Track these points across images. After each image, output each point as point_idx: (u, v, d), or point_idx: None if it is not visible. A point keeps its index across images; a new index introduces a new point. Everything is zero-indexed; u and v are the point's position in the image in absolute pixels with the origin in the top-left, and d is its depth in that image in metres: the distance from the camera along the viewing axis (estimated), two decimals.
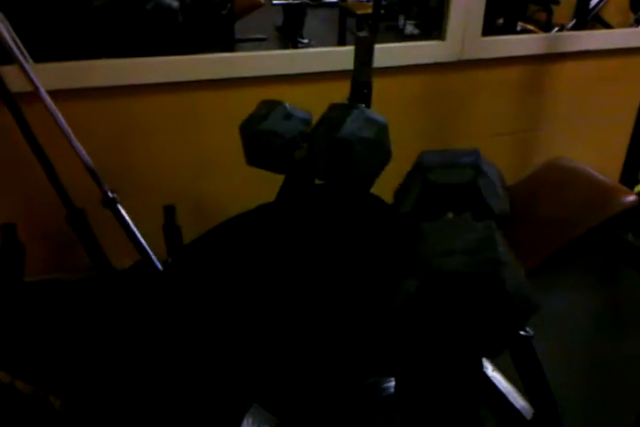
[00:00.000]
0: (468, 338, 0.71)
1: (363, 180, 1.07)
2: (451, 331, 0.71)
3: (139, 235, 1.59)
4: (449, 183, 0.84)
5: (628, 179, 2.21)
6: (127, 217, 1.57)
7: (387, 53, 1.94)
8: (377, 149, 1.04)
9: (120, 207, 1.57)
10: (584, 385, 1.72)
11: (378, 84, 1.49)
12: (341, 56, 1.85)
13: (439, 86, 2.13)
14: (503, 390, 1.43)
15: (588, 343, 1.90)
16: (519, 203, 1.09)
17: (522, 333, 1.09)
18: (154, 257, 1.59)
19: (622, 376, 1.74)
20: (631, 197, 1.04)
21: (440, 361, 0.77)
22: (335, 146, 1.01)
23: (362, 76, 1.43)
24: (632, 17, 3.87)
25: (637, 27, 3.63)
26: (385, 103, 1.70)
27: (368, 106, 1.50)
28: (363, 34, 1.36)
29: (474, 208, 0.84)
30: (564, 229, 1.01)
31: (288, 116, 1.14)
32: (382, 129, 1.05)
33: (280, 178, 1.30)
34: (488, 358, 0.80)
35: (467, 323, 0.70)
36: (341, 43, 3.86)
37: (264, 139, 1.14)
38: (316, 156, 1.07)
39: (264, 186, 1.25)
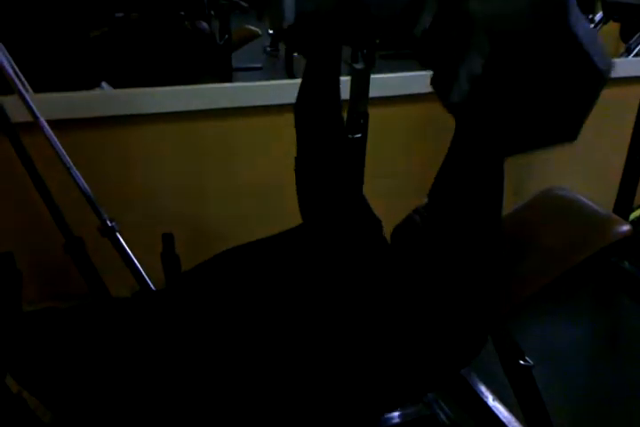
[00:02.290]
0: (550, 113, 0.62)
1: (376, 29, 0.97)
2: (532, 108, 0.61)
3: (137, 263, 1.59)
4: None
5: (622, 207, 2.23)
6: (125, 246, 1.58)
7: (384, 83, 1.97)
8: None
9: (119, 236, 1.57)
10: (583, 414, 1.71)
11: (376, 114, 1.51)
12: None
13: (436, 116, 2.14)
14: (504, 419, 1.42)
15: (585, 372, 1.89)
16: (515, 231, 1.10)
17: (522, 362, 1.09)
18: (152, 286, 1.59)
19: (621, 404, 1.74)
20: (625, 228, 1.05)
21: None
22: None
23: (358, 107, 1.45)
24: (623, 46, 3.94)
25: (628, 56, 3.69)
26: (383, 133, 1.73)
27: (365, 136, 1.52)
28: (359, 65, 1.38)
29: None
30: (559, 258, 1.02)
31: None
32: None
33: (276, 206, 1.31)
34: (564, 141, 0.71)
35: (546, 97, 0.61)
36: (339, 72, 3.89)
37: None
38: None
39: (263, 215, 1.26)
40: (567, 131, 0.65)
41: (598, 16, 4.07)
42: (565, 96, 0.62)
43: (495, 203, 0.76)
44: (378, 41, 1.13)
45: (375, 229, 1.16)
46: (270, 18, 1.06)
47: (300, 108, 1.17)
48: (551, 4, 0.58)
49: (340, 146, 1.20)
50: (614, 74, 2.56)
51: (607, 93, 2.62)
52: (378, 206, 1.21)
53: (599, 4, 3.94)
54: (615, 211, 2.21)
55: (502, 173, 0.74)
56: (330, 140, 1.18)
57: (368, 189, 1.52)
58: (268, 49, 4.72)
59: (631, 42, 3.77)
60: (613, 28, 3.99)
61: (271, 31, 4.25)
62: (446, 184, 0.77)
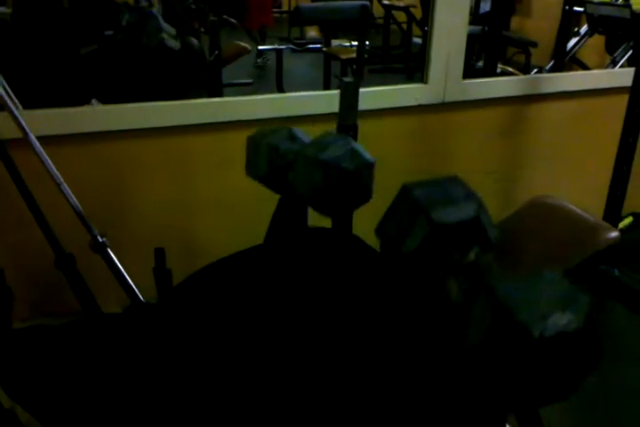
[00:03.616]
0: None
1: (337, 206, 1.07)
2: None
3: (128, 279, 1.58)
4: (456, 222, 0.81)
5: (611, 216, 2.24)
6: (117, 261, 1.57)
7: (372, 96, 1.99)
8: (355, 181, 1.04)
9: (109, 251, 1.57)
10: (576, 423, 1.71)
11: (363, 127, 1.53)
12: (327, 100, 1.89)
13: (423, 128, 2.17)
14: None
15: None
16: (504, 241, 1.10)
17: None
18: (144, 301, 1.59)
19: (612, 410, 1.74)
20: (613, 234, 1.06)
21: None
22: (313, 167, 1.02)
23: (347, 119, 1.47)
24: (608, 58, 3.99)
25: (613, 68, 3.74)
26: (370, 145, 1.73)
27: None
28: (348, 79, 1.39)
29: (477, 242, 0.82)
30: (549, 266, 1.02)
31: (293, 137, 1.14)
32: (366, 164, 1.06)
33: (267, 220, 1.31)
34: None
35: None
36: (326, 86, 3.93)
37: (265, 153, 1.14)
38: (297, 176, 1.08)
39: (254, 229, 1.26)
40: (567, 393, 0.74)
41: (583, 29, 4.13)
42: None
43: None
44: None
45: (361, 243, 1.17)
46: (247, 163, 1.22)
47: (270, 237, 1.25)
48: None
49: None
50: (601, 84, 2.59)
51: (594, 104, 2.67)
52: (369, 218, 1.21)
53: (584, 18, 4.00)
54: (604, 220, 2.22)
55: None
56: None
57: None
58: (259, 60, 4.76)
59: (616, 54, 3.83)
60: (599, 40, 4.05)
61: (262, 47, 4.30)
62: None
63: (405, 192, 0.87)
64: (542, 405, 0.74)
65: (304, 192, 1.07)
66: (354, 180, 1.04)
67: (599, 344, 0.71)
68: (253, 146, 1.18)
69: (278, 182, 1.17)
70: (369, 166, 1.07)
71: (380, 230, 0.89)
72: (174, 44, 2.34)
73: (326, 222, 1.23)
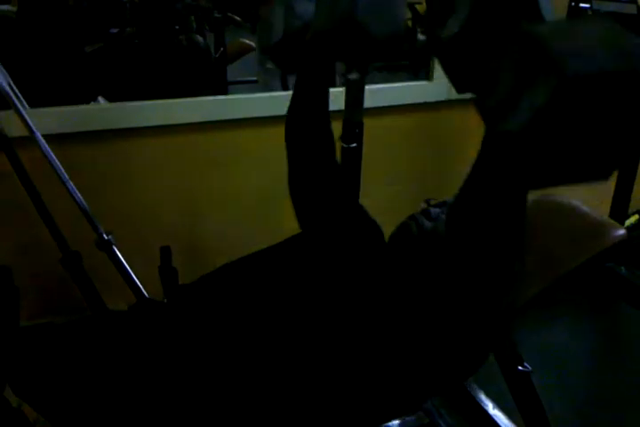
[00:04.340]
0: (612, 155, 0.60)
1: (370, 47, 0.94)
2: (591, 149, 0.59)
3: (134, 277, 1.58)
4: None
5: (617, 214, 2.24)
6: (122, 259, 1.57)
7: (377, 94, 1.99)
8: (387, 10, 0.92)
9: (115, 249, 1.57)
10: (582, 420, 1.71)
11: (369, 124, 1.52)
12: (332, 97, 1.89)
13: (429, 125, 2.17)
14: (504, 426, 1.42)
15: (584, 377, 1.89)
16: None
17: (520, 368, 1.08)
18: (149, 298, 1.59)
19: (619, 409, 1.73)
20: (620, 231, 1.06)
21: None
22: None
23: (353, 117, 1.46)
24: None
25: None
26: (377, 142, 1.73)
27: (360, 146, 1.53)
28: (353, 76, 1.39)
29: (527, 18, 0.70)
30: (556, 264, 1.02)
31: None
32: None
33: (273, 218, 1.31)
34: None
35: (600, 138, 0.59)
36: (331, 84, 3.91)
37: (281, 15, 1.01)
38: (319, 8, 0.95)
39: (260, 227, 1.26)
40: (605, 171, 0.64)
41: None
42: (618, 141, 0.61)
43: (516, 230, 0.76)
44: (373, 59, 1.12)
45: (374, 235, 1.16)
46: (259, 34, 1.06)
47: (290, 121, 1.18)
48: (632, 55, 0.57)
49: (331, 157, 1.20)
50: None
51: None
52: (377, 213, 1.21)
53: (590, 14, 3.98)
54: (611, 217, 2.21)
55: (525, 203, 0.75)
56: (320, 153, 1.18)
57: (366, 197, 1.53)
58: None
59: None
60: None
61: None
62: (467, 206, 0.77)
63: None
64: (571, 175, 0.64)
65: (329, 26, 0.92)
66: (382, 1, 0.91)
67: None
68: (269, 14, 1.06)
69: (293, 55, 1.05)
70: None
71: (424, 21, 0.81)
72: (201, 40, 2.33)
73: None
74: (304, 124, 1.16)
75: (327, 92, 1.12)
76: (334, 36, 0.93)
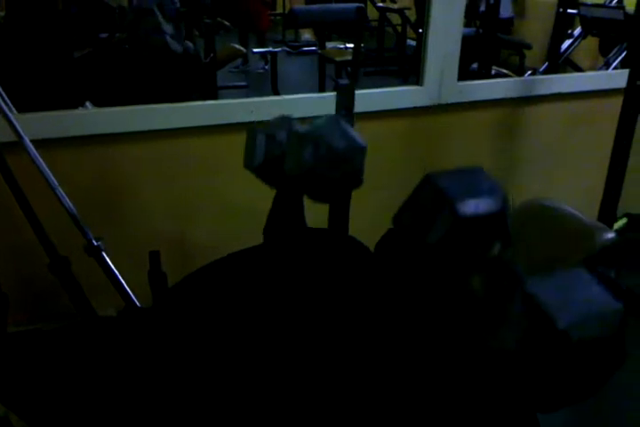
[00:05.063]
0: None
1: (327, 189, 1.07)
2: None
3: (123, 282, 1.58)
4: (481, 215, 0.78)
5: (605, 217, 2.25)
6: (112, 265, 1.57)
7: (368, 98, 1.99)
8: (345, 163, 1.04)
9: (104, 255, 1.56)
10: (574, 420, 1.71)
11: (359, 129, 1.52)
12: (322, 102, 1.89)
13: (419, 130, 2.17)
14: None
15: None
16: None
17: None
18: (138, 304, 1.58)
19: (611, 409, 1.74)
20: (609, 235, 1.06)
21: None
22: (304, 144, 1.02)
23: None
24: (601, 60, 4.01)
25: (607, 69, 3.75)
26: (368, 147, 1.73)
27: None
28: (344, 81, 1.39)
29: (499, 237, 0.80)
30: (544, 268, 1.02)
31: (291, 127, 1.13)
32: (356, 146, 1.06)
33: (262, 222, 1.30)
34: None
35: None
36: (322, 89, 3.93)
37: (262, 142, 1.14)
38: (289, 155, 1.08)
39: (249, 231, 1.26)
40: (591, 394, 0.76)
41: (577, 31, 4.15)
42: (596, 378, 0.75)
43: None
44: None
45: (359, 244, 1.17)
46: (245, 155, 1.19)
47: (267, 232, 1.24)
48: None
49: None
50: (594, 86, 2.59)
51: (589, 106, 2.67)
52: (367, 218, 1.21)
53: (578, 20, 4.02)
54: (599, 221, 2.22)
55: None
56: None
57: (358, 201, 1.53)
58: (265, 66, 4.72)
59: (610, 56, 3.84)
60: (592, 42, 4.07)
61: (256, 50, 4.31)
62: None
63: (429, 182, 0.83)
64: (561, 407, 0.75)
65: (295, 172, 1.06)
66: (343, 159, 1.04)
67: (624, 349, 0.72)
68: (251, 136, 1.17)
69: (274, 175, 1.16)
70: (360, 149, 1.06)
71: (398, 221, 0.86)
72: (177, 47, 2.33)
73: (324, 220, 1.24)
74: (282, 230, 1.23)
75: (302, 206, 1.21)
76: (300, 179, 1.07)
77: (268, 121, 1.19)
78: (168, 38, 2.35)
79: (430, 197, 0.81)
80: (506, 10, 4.59)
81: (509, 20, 4.73)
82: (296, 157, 1.05)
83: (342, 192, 1.11)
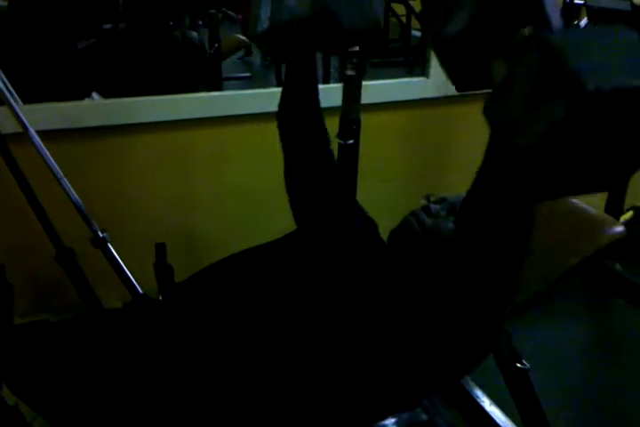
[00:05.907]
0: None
1: (347, 40, 0.99)
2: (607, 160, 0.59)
3: (129, 274, 1.58)
4: None
5: (612, 210, 2.24)
6: (117, 256, 1.57)
7: (374, 90, 1.98)
8: (362, 6, 0.97)
9: (110, 246, 1.56)
10: (580, 417, 1.71)
11: (366, 120, 1.52)
12: (329, 93, 1.88)
13: (425, 121, 2.16)
14: (501, 424, 1.42)
15: (582, 374, 1.89)
16: None
17: (518, 365, 1.08)
18: (144, 295, 1.58)
19: (618, 407, 1.74)
20: (619, 229, 1.05)
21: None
22: None
23: (350, 113, 1.46)
24: None
25: None
26: (374, 138, 1.73)
27: (357, 142, 1.52)
28: (351, 72, 1.38)
29: (532, 20, 0.70)
30: (555, 262, 1.02)
31: None
32: None
33: (269, 215, 1.31)
34: None
35: (614, 153, 0.59)
36: (326, 80, 3.91)
37: (269, 7, 1.05)
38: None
39: (255, 223, 1.26)
40: (615, 181, 0.65)
41: (583, 22, 4.11)
42: (630, 153, 0.61)
43: (523, 237, 0.77)
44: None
45: (371, 231, 1.16)
46: (250, 24, 1.10)
47: (282, 115, 1.19)
48: None
49: (325, 148, 1.21)
50: None
51: None
52: (374, 210, 1.21)
53: (584, 10, 3.98)
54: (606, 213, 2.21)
55: (533, 212, 0.75)
56: (314, 146, 1.19)
57: (363, 194, 1.52)
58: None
59: None
60: None
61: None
62: (475, 213, 0.78)
63: None
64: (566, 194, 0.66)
65: (305, 12, 0.98)
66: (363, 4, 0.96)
67: None
68: (257, 2, 1.09)
69: (278, 45, 1.09)
70: None
71: (426, 16, 0.81)
72: (195, 35, 2.32)
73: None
74: (296, 115, 1.17)
75: (316, 83, 1.14)
76: (311, 24, 0.98)
77: None
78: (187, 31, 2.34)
79: None
80: (556, 17, 4.52)
81: None
82: (313, 17, 0.97)
83: (358, 38, 1.02)
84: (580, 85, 0.55)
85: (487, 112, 0.67)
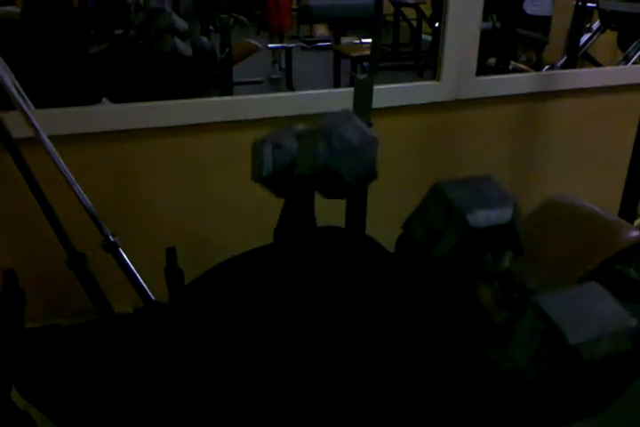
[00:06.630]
0: None
1: (347, 189, 1.06)
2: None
3: (140, 279, 1.57)
4: (492, 226, 0.78)
5: (626, 214, 2.22)
6: (128, 261, 1.56)
7: (385, 94, 1.97)
8: (359, 156, 1.04)
9: (121, 251, 1.56)
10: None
11: (377, 124, 1.51)
12: (338, 97, 1.88)
13: (437, 125, 2.15)
14: None
15: None
16: None
17: None
18: (155, 301, 1.58)
19: (626, 413, 1.72)
20: (635, 233, 1.04)
21: None
22: (317, 139, 1.02)
23: (362, 117, 1.44)
24: (619, 54, 3.95)
25: (626, 64, 3.70)
26: (385, 142, 1.72)
27: None
28: (362, 76, 1.38)
29: (509, 246, 0.80)
30: (569, 269, 1.00)
31: (299, 136, 1.13)
32: (369, 140, 1.06)
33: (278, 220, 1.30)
34: None
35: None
36: (337, 84, 3.91)
37: (270, 152, 1.14)
38: (301, 152, 1.08)
39: (265, 228, 1.25)
40: (603, 405, 0.75)
41: (596, 25, 4.09)
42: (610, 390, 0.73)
43: None
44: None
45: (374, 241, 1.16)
46: (252, 167, 1.19)
47: (278, 233, 1.24)
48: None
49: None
50: (613, 81, 2.56)
51: (609, 101, 2.64)
52: (385, 215, 1.20)
53: (597, 13, 3.97)
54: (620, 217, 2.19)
55: None
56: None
57: (375, 199, 1.52)
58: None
59: (629, 50, 3.79)
60: (611, 36, 4.01)
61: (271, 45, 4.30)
62: None
63: (438, 191, 0.83)
64: (570, 421, 0.74)
65: (310, 171, 1.05)
66: (357, 151, 1.03)
67: (637, 364, 0.70)
68: (257, 148, 1.18)
69: (283, 184, 1.16)
70: (372, 140, 1.06)
71: (407, 231, 0.86)
72: (186, 48, 2.32)
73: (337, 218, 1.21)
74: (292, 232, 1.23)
75: (312, 210, 1.21)
76: (314, 179, 1.07)
77: (271, 132, 1.19)
78: (178, 42, 2.33)
79: (440, 208, 0.81)
80: (546, 8, 4.51)
81: (548, 19, 4.64)
82: (310, 154, 1.04)
83: (358, 187, 1.10)
84: (577, 358, 0.66)
85: (492, 354, 0.76)
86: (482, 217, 0.77)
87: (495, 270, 0.79)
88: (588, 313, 0.69)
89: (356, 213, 1.54)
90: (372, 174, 1.07)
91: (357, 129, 1.05)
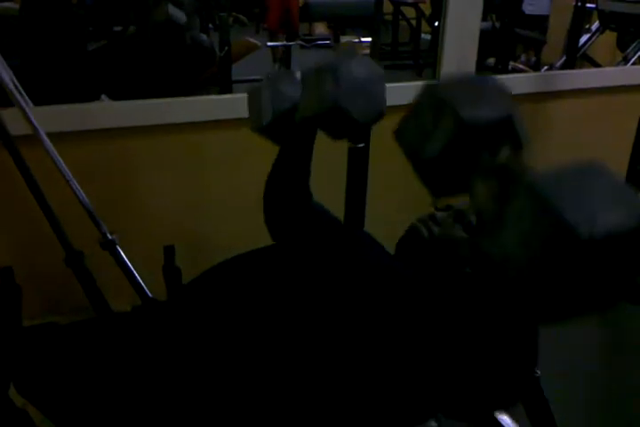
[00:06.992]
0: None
1: (354, 128, 1.02)
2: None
3: (138, 276, 1.57)
4: (487, 121, 0.71)
5: None
6: (126, 259, 1.56)
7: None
8: (367, 92, 1.00)
9: (119, 249, 1.56)
10: (589, 420, 1.70)
11: (376, 124, 1.50)
12: None
13: None
14: None
15: (593, 382, 1.87)
16: None
17: None
18: (153, 298, 1.57)
19: (628, 413, 1.72)
20: None
21: None
22: (324, 76, 0.98)
23: None
24: (619, 55, 3.96)
25: (625, 65, 3.71)
26: (384, 142, 1.71)
27: (367, 145, 1.51)
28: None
29: (508, 142, 0.74)
30: None
31: (303, 79, 1.07)
32: (376, 75, 1.02)
33: None
34: None
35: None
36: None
37: (269, 99, 1.09)
38: (306, 91, 1.03)
39: (264, 227, 1.25)
40: (610, 303, 0.67)
41: (595, 25, 4.10)
42: (621, 280, 0.64)
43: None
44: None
45: (374, 240, 1.15)
46: (250, 116, 1.16)
47: (269, 191, 1.23)
48: None
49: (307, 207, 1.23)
50: (616, 82, 2.56)
51: (608, 101, 2.64)
52: (384, 218, 1.20)
53: (596, 14, 3.97)
54: None
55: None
56: (296, 210, 1.22)
57: (372, 201, 1.52)
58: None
59: (628, 51, 3.79)
60: (610, 37, 4.02)
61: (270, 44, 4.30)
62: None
63: (429, 90, 0.77)
64: (580, 313, 0.67)
65: (317, 111, 1.00)
66: (365, 87, 1.00)
67: None
68: (255, 95, 1.13)
69: (282, 132, 1.13)
70: (380, 75, 1.03)
71: (400, 137, 0.80)
72: (180, 15, 2.30)
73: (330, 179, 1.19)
74: (283, 193, 1.21)
75: (309, 161, 1.18)
76: (321, 119, 1.01)
77: (268, 77, 1.14)
78: (171, 8, 2.30)
79: (431, 106, 0.75)
80: (543, 7, 4.51)
81: (545, 18, 4.64)
82: (317, 94, 1.00)
83: (365, 127, 1.05)
84: (575, 235, 0.58)
85: (473, 243, 0.73)
86: (475, 112, 0.71)
87: (490, 165, 0.73)
88: (587, 190, 0.61)
89: (355, 211, 1.54)
90: (380, 112, 1.03)
91: (364, 65, 1.01)
